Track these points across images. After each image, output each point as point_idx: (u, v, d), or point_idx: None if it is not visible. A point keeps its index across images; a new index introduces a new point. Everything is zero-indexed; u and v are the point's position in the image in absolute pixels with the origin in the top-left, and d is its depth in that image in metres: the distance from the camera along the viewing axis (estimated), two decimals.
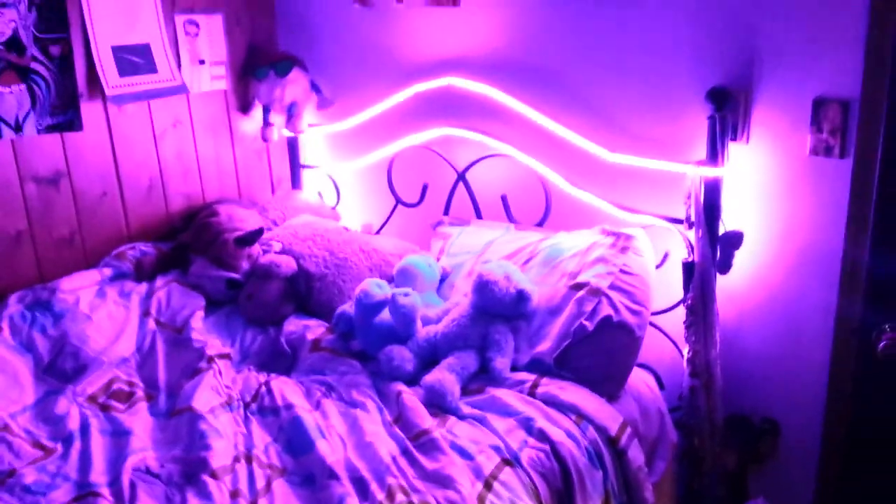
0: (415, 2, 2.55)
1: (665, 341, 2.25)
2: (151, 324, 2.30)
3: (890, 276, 1.78)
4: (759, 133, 2.03)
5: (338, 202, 2.94)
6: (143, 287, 2.43)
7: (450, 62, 2.54)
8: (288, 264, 2.41)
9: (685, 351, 2.11)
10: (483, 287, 2.08)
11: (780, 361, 2.13)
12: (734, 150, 2.05)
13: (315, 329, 2.28)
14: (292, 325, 2.31)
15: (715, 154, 1.99)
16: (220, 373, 2.10)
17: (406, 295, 2.13)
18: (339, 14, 2.78)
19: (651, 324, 2.17)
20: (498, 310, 2.08)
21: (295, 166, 3.03)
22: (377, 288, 2.17)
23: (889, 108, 1.75)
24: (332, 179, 2.94)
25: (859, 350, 1.88)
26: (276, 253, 2.48)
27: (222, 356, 2.20)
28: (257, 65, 2.86)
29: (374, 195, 2.86)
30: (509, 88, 2.40)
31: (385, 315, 2.15)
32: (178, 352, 2.21)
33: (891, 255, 1.79)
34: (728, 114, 1.98)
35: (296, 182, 3.04)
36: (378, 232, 2.82)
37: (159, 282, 2.45)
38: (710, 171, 2.01)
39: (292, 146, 3.01)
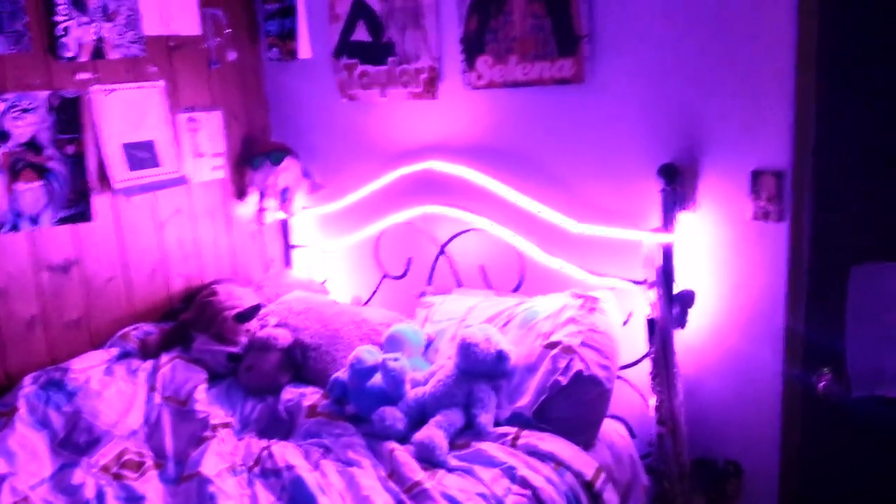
0: (397, 96, 2.82)
1: (633, 393, 2.44)
2: (157, 398, 2.47)
3: (826, 329, 1.99)
4: (707, 202, 2.28)
5: (327, 278, 3.15)
6: (149, 364, 2.61)
7: (430, 147, 2.80)
8: (284, 337, 2.60)
9: (652, 401, 2.30)
10: (466, 349, 2.27)
11: (738, 407, 2.32)
12: (685, 218, 2.29)
13: (311, 396, 2.44)
14: (289, 393, 2.48)
15: (668, 222, 2.24)
16: (223, 441, 2.26)
17: (396, 359, 2.32)
18: (327, 107, 3.05)
19: (620, 377, 2.36)
20: (480, 370, 2.27)
21: (287, 246, 3.25)
22: (369, 354, 2.36)
23: (813, 177, 2.00)
24: (323, 257, 3.15)
25: (805, 392, 2.08)
26: (273, 327, 2.67)
27: (225, 425, 2.36)
28: (253, 155, 3.10)
29: (362, 269, 3.08)
30: (484, 169, 2.65)
31: (377, 379, 2.33)
32: (183, 423, 2.37)
33: (824, 308, 2.00)
34: (678, 187, 2.23)
35: (287, 261, 3.26)
36: (366, 303, 3.02)
37: (163, 358, 2.62)
38: (665, 238, 2.24)
39: (284, 228, 3.23)
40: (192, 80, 2.95)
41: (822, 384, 1.89)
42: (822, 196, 2.00)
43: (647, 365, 2.31)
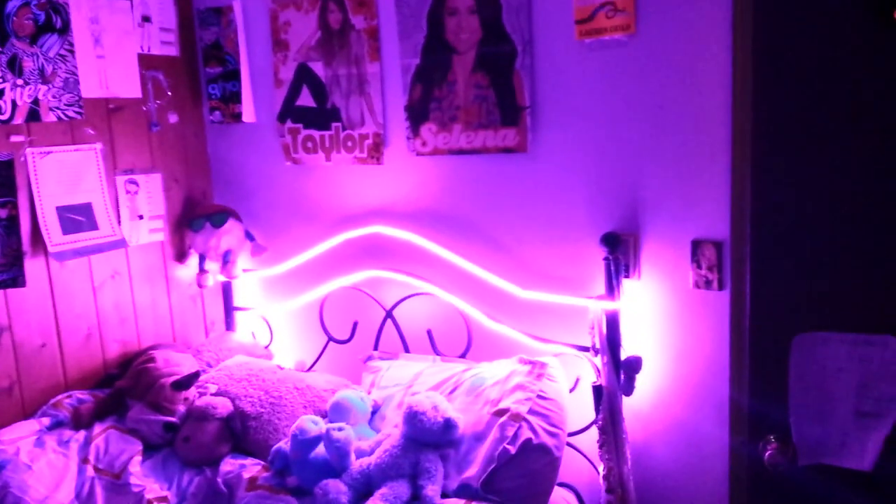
0: (342, 160, 2.82)
1: (582, 460, 2.43)
2: (90, 470, 2.36)
3: (770, 397, 2.01)
4: (649, 270, 2.32)
5: (271, 341, 3.09)
6: (82, 434, 2.50)
7: (376, 212, 2.79)
8: (224, 405, 2.52)
9: (601, 468, 2.29)
10: (412, 417, 2.24)
11: (686, 474, 2.33)
12: (628, 285, 2.32)
13: (251, 467, 2.36)
14: (228, 464, 2.40)
15: (612, 289, 2.26)
16: None
17: (340, 429, 2.26)
18: (271, 170, 3.03)
19: (568, 444, 2.35)
20: (427, 438, 2.23)
21: (229, 309, 3.18)
22: (312, 424, 2.30)
23: (752, 247, 2.05)
24: (266, 320, 3.09)
25: (751, 461, 2.09)
26: (211, 395, 2.59)
27: (160, 499, 2.27)
28: (194, 217, 3.05)
29: (307, 333, 3.03)
30: (430, 234, 2.66)
31: (320, 450, 2.27)
32: (116, 497, 2.27)
33: (766, 377, 2.03)
34: (620, 255, 2.26)
35: (229, 324, 3.18)
36: (311, 368, 2.96)
37: (97, 429, 2.52)
38: (609, 305, 2.27)
39: (226, 290, 3.17)
40: (131, 143, 2.90)
41: (767, 454, 1.90)
42: (762, 265, 2.04)
43: (594, 432, 2.30)
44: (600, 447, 2.28)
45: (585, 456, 2.42)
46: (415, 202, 2.71)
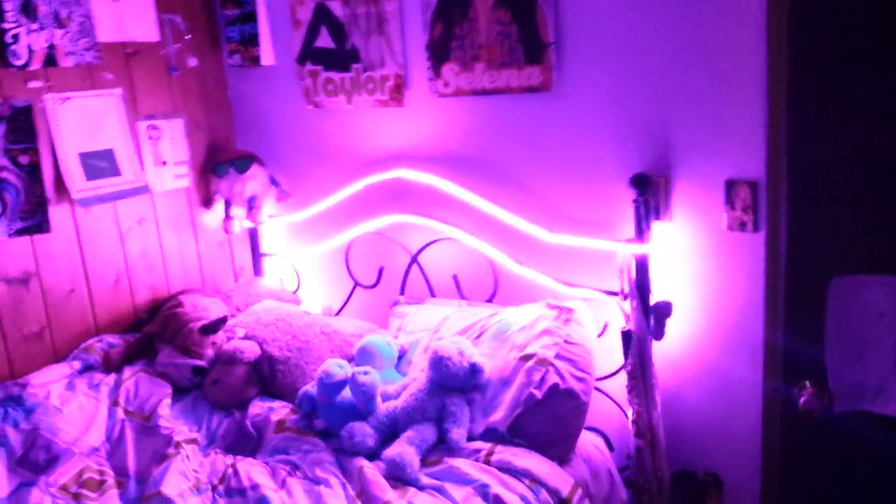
0: (363, 103, 2.76)
1: (611, 405, 2.40)
2: (120, 413, 2.38)
3: (806, 341, 1.95)
4: (681, 212, 2.24)
5: (298, 287, 3.08)
6: (112, 378, 2.52)
7: (398, 156, 2.74)
8: (252, 349, 2.53)
9: (629, 413, 2.26)
10: (438, 362, 2.22)
11: (717, 419, 2.29)
12: (659, 228, 2.25)
13: (279, 410, 2.38)
14: (257, 407, 2.41)
15: (641, 233, 2.20)
16: (187, 457, 2.19)
17: (366, 373, 2.26)
18: (293, 114, 2.98)
19: (596, 388, 2.32)
20: (453, 383, 2.22)
21: (256, 255, 3.17)
22: (338, 368, 2.30)
23: (789, 186, 1.97)
24: (293, 266, 3.08)
25: (785, 406, 2.05)
26: (239, 339, 2.59)
27: (189, 441, 2.28)
28: (217, 163, 3.02)
29: (333, 279, 3.01)
30: (454, 178, 2.60)
31: (346, 393, 2.27)
32: (146, 439, 2.29)
33: (803, 320, 1.97)
34: (650, 197, 2.19)
35: (257, 270, 3.18)
36: (338, 314, 2.95)
37: (127, 372, 2.54)
38: (638, 248, 2.20)
39: (253, 236, 3.16)
40: (151, 88, 2.87)
41: (803, 399, 1.84)
42: (799, 206, 1.96)
43: (624, 377, 2.27)
44: (629, 392, 2.25)
45: (614, 401, 2.39)
46: (438, 145, 2.65)
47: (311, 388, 2.35)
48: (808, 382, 1.88)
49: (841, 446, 1.91)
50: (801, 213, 1.97)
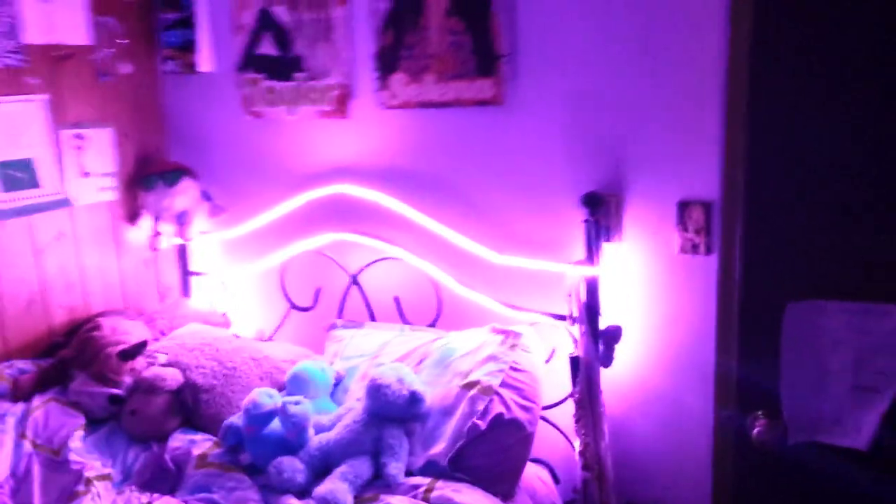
0: (306, 114, 2.62)
1: (557, 435, 2.28)
2: (28, 446, 2.19)
3: (759, 369, 1.87)
4: (632, 233, 2.15)
5: (229, 309, 2.90)
6: (20, 407, 2.31)
7: (341, 170, 2.60)
8: (174, 377, 2.34)
9: (577, 444, 2.15)
10: (375, 391, 2.08)
11: (667, 449, 2.19)
12: (610, 249, 2.16)
13: (202, 444, 2.19)
14: (178, 440, 2.23)
15: (591, 254, 2.10)
16: (98, 496, 2.00)
17: (297, 403, 2.10)
18: (230, 125, 2.82)
19: (542, 418, 2.20)
20: (391, 413, 2.08)
21: (184, 274, 2.98)
22: (267, 397, 2.13)
23: (745, 208, 1.89)
24: (224, 286, 2.90)
25: (738, 436, 1.95)
26: (161, 365, 2.41)
27: (102, 477, 2.11)
28: (146, 175, 2.84)
29: (267, 300, 2.84)
30: (400, 194, 2.47)
31: (276, 425, 2.11)
32: (54, 475, 2.10)
33: (757, 347, 1.89)
34: (601, 217, 2.09)
35: (185, 290, 2.99)
36: (271, 338, 2.78)
37: (37, 401, 2.33)
38: (588, 270, 2.10)
39: (182, 254, 2.97)
40: (79, 94, 2.68)
41: (756, 430, 1.76)
42: (754, 228, 1.88)
43: (570, 405, 2.15)
44: (576, 422, 2.14)
45: (561, 431, 2.28)
46: (383, 159, 2.53)
47: (237, 419, 2.17)
48: (761, 413, 1.79)
49: (795, 478, 1.82)
50: (757, 236, 1.89)
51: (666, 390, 2.16)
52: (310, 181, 2.66)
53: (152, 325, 2.75)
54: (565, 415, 2.21)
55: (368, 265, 2.56)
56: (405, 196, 2.47)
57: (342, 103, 2.53)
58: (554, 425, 2.28)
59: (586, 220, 2.10)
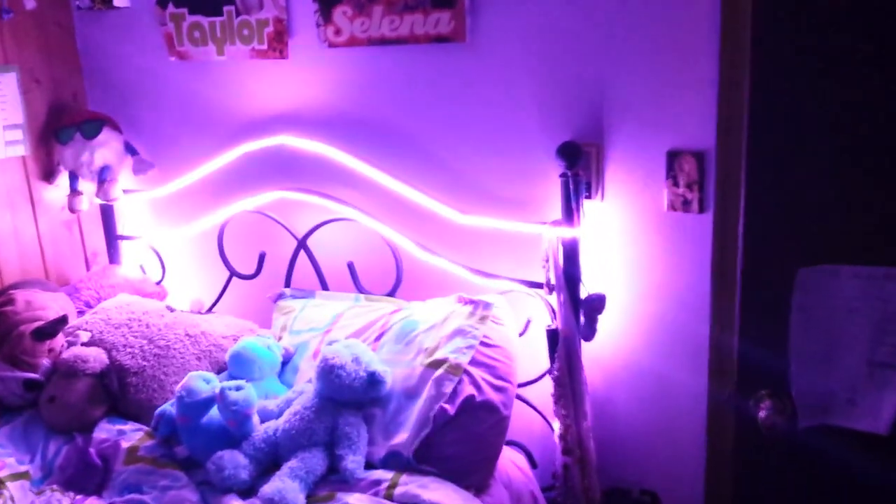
0: (238, 54, 2.29)
1: (533, 415, 2.06)
2: None
3: (761, 338, 1.66)
4: (614, 189, 1.91)
5: (163, 277, 2.59)
6: None
7: (281, 118, 2.29)
8: (97, 358, 2.06)
9: (556, 426, 1.93)
10: (328, 372, 1.83)
11: (654, 430, 1.98)
12: (590, 208, 1.91)
13: (131, 435, 1.95)
14: (104, 431, 1.97)
15: (570, 213, 1.84)
16: (11, 500, 1.73)
17: (238, 388, 1.84)
18: (154, 68, 2.48)
19: (518, 397, 1.98)
20: (347, 397, 1.84)
21: (111, 238, 2.66)
22: (203, 382, 1.88)
23: (747, 158, 1.64)
24: (155, 251, 2.59)
25: (738, 419, 1.75)
26: (82, 345, 2.11)
27: (17, 476, 1.86)
28: (61, 126, 2.50)
29: (205, 267, 2.54)
30: (348, 146, 2.18)
31: (215, 413, 1.85)
32: None
33: (760, 318, 1.67)
34: (580, 170, 1.83)
35: (113, 256, 2.67)
36: (210, 310, 2.49)
37: None
38: (567, 232, 1.85)
39: (107, 215, 2.64)
40: None
41: (761, 413, 1.55)
42: (758, 181, 1.64)
43: (548, 383, 1.92)
44: (556, 402, 1.91)
45: (538, 410, 2.06)
46: (328, 106, 2.22)
47: (170, 406, 1.91)
48: (765, 392, 1.58)
49: (803, 466, 1.62)
50: (762, 190, 1.64)
51: (654, 366, 1.94)
52: (246, 132, 2.35)
53: (77, 297, 2.46)
54: (542, 393, 1.99)
55: (317, 227, 2.28)
56: (355, 148, 2.18)
57: (279, 41, 2.21)
58: (530, 404, 2.06)
59: (563, 175, 1.84)
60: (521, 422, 2.06)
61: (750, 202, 1.67)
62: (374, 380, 1.85)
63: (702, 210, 1.82)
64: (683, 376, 1.89)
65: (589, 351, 1.94)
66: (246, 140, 2.32)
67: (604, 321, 1.90)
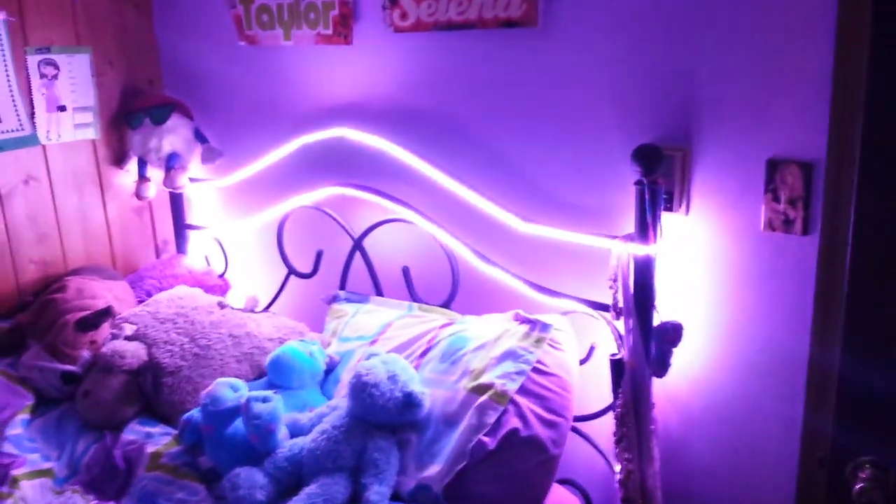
0: (304, 39, 2.14)
1: (593, 451, 1.81)
2: None
3: (866, 388, 1.35)
4: (702, 203, 1.62)
5: (226, 269, 2.50)
6: None
7: (343, 109, 2.13)
8: (136, 354, 1.97)
9: (617, 468, 1.67)
10: (360, 390, 1.65)
11: (734, 483, 1.69)
12: (671, 222, 1.64)
13: (159, 438, 1.84)
14: (133, 432, 1.88)
15: (645, 227, 1.58)
16: (22, 501, 1.66)
17: (265, 399, 1.69)
18: (224, 52, 2.38)
19: (574, 429, 1.74)
20: (381, 418, 1.66)
21: (180, 227, 2.59)
22: (229, 390, 1.74)
23: (860, 171, 1.34)
24: (219, 242, 2.50)
25: (830, 485, 1.44)
26: (125, 338, 2.03)
27: (38, 473, 1.78)
28: (132, 111, 2.44)
29: (266, 262, 2.43)
30: (407, 141, 2.00)
31: (241, 423, 1.71)
32: None
33: (868, 360, 1.36)
34: (660, 178, 1.57)
35: (181, 245, 2.60)
36: (267, 308, 2.37)
37: None
38: (640, 249, 1.59)
39: (176, 204, 2.57)
40: (47, 11, 2.27)
41: (858, 486, 1.25)
42: (874, 198, 1.33)
43: (612, 418, 1.67)
44: (616, 442, 1.66)
45: (598, 448, 1.80)
46: (388, 97, 2.04)
47: (198, 412, 1.78)
48: (866, 461, 1.28)
49: None
50: (879, 209, 1.33)
51: (738, 412, 1.65)
52: (308, 123, 2.20)
53: (139, 286, 2.40)
54: (606, 427, 1.73)
55: (373, 227, 2.10)
56: (414, 143, 1.99)
57: (344, 25, 2.04)
58: (589, 440, 1.81)
59: (638, 182, 1.58)
60: (580, 458, 1.81)
61: (861, 224, 1.36)
62: (410, 402, 1.66)
63: (806, 231, 1.51)
64: (771, 427, 1.59)
65: (662, 386, 1.67)
66: (307, 131, 2.18)
67: (681, 354, 1.63)
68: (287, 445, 1.69)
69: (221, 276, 2.51)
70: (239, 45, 2.31)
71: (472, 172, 1.91)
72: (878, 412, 1.32)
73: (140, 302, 2.30)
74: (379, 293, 2.14)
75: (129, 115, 2.43)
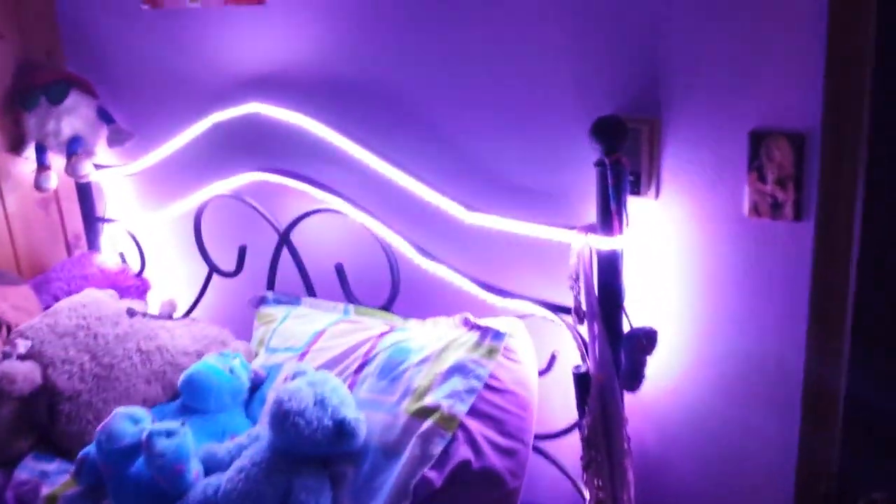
0: (212, 0, 1.85)
1: (557, 473, 1.59)
2: None
3: (878, 406, 1.13)
4: (674, 185, 1.39)
5: (142, 267, 2.22)
6: None
7: (257, 81, 1.85)
8: (28, 377, 1.70)
9: (586, 495, 1.45)
10: (282, 420, 1.41)
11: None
12: (638, 208, 1.40)
13: (55, 478, 1.60)
14: (26, 469, 1.64)
15: (608, 216, 1.33)
16: None
17: (169, 433, 1.43)
18: (129, 20, 2.07)
19: (537, 449, 1.52)
20: (308, 451, 1.41)
21: (89, 220, 2.30)
22: (129, 423, 1.49)
23: (869, 145, 1.10)
24: (133, 237, 2.21)
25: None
26: (18, 357, 1.75)
27: None
28: (26, 89, 2.14)
29: (185, 259, 2.15)
30: (335, 120, 1.72)
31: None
32: None
33: (881, 372, 1.14)
34: (624, 156, 1.31)
35: (93, 241, 2.31)
36: (189, 312, 2.09)
37: None
38: (603, 241, 1.34)
39: (84, 194, 2.28)
40: None
41: None
42: (884, 176, 1.10)
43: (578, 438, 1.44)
44: (585, 468, 1.43)
45: (564, 471, 1.58)
46: (313, 66, 1.75)
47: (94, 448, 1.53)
48: (878, 497, 1.07)
49: None
50: (889, 190, 1.10)
51: (725, 426, 1.43)
52: (220, 97, 1.91)
53: (45, 291, 2.12)
54: (573, 446, 1.50)
55: (300, 218, 1.83)
56: (342, 120, 1.73)
57: None
58: (554, 462, 1.58)
59: (599, 163, 1.32)
60: (545, 482, 1.59)
61: (870, 208, 1.12)
62: (343, 430, 1.41)
63: (798, 216, 1.28)
64: (763, 446, 1.37)
65: (636, 400, 1.44)
66: (220, 108, 1.89)
67: (654, 363, 1.39)
68: (202, 486, 1.44)
69: (139, 274, 2.23)
70: (141, 9, 2.01)
71: (408, 153, 1.65)
72: (893, 436, 1.11)
73: (47, 307, 2.02)
74: (311, 293, 1.88)
75: (22, 95, 2.13)
